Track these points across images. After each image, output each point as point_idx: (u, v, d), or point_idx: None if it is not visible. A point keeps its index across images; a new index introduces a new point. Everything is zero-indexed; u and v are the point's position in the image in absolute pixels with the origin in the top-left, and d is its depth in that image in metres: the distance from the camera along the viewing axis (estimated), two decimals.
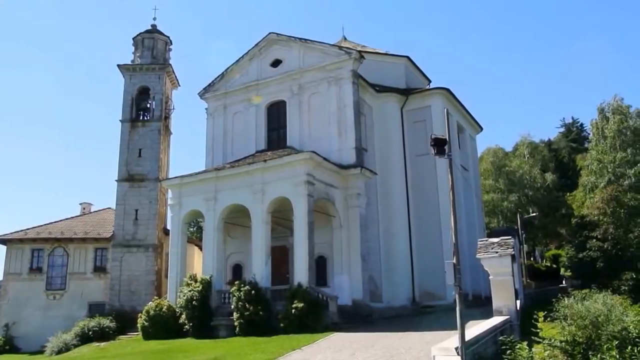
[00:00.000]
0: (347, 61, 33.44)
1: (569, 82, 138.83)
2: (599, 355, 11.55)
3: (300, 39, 35.23)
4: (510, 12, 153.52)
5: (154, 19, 46.85)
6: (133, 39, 45.15)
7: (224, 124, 36.88)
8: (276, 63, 36.00)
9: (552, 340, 14.39)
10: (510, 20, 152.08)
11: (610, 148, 48.34)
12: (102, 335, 33.33)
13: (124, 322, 34.96)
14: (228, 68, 37.51)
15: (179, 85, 46.58)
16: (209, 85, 37.94)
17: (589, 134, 58.84)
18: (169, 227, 35.79)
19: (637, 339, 14.92)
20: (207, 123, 37.70)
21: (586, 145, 65.12)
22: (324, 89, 33.81)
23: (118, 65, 43.49)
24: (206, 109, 37.98)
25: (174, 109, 45.87)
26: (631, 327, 16.64)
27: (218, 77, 37.75)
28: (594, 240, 38.27)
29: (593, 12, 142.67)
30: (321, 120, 33.40)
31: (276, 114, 35.76)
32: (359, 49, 37.89)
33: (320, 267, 30.38)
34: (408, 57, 42.48)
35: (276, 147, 34.10)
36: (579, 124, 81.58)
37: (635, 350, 11.55)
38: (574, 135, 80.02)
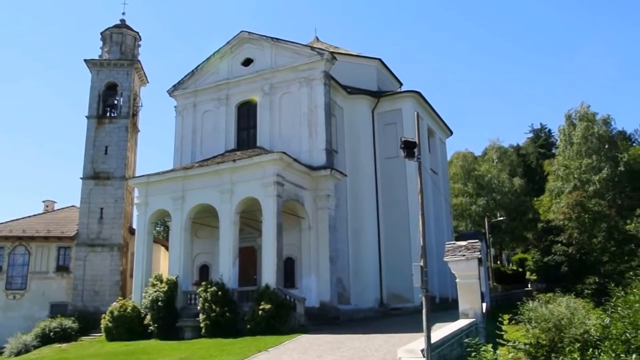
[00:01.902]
0: (319, 62, 33.31)
1: (538, 88, 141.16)
2: (561, 358, 11.64)
3: (272, 38, 34.99)
4: (483, 16, 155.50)
5: (123, 13, 46.16)
6: (101, 33, 44.31)
7: (193, 122, 36.43)
8: (247, 62, 35.70)
9: (517, 343, 14.48)
10: (482, 25, 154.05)
11: (576, 154, 49.22)
12: (63, 336, 32.49)
13: (87, 323, 34.20)
14: (198, 66, 37.08)
15: (148, 82, 45.89)
16: (179, 82, 37.45)
17: (557, 140, 59.82)
18: (134, 226, 35.18)
19: (598, 342, 15.14)
20: (176, 121, 37.22)
21: (554, 151, 66.20)
22: (296, 89, 33.65)
23: (85, 60, 42.63)
24: (175, 107, 37.50)
25: (142, 106, 45.20)
26: (592, 330, 16.92)
27: (188, 74, 37.28)
28: (559, 244, 38.91)
29: (567, 18, 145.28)
30: (292, 121, 33.22)
31: (246, 113, 35.47)
32: (331, 50, 37.80)
33: (288, 268, 30.28)
34: (380, 60, 42.57)
35: (246, 147, 33.79)
36: (547, 130, 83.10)
37: (596, 353, 11.64)
38: (542, 141, 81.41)
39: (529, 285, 49.93)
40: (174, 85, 37.56)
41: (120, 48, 43.70)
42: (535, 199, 64.35)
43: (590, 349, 12.62)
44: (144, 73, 44.86)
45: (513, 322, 17.25)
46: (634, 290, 18.67)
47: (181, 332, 27.26)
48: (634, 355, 8.05)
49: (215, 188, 29.45)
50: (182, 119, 36.91)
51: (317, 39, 45.13)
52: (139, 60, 43.87)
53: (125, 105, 41.98)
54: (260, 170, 28.54)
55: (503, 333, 14.39)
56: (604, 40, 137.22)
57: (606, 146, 48.65)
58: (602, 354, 10.79)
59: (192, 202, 30.30)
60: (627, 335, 15.96)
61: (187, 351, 21.50)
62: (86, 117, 41.35)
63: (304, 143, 32.39)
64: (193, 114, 36.60)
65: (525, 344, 15.08)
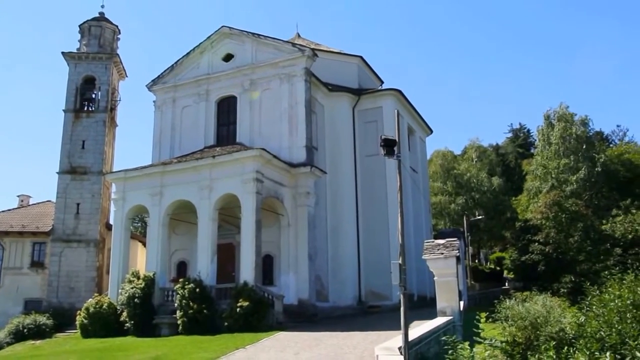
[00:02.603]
0: (300, 58, 33.22)
1: (518, 88, 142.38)
2: (537, 356, 11.69)
3: (253, 34, 34.82)
4: (464, 16, 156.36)
5: (102, 6, 45.91)
6: (79, 26, 43.63)
7: (172, 117, 36.14)
8: (228, 57, 35.51)
9: (493, 341, 14.54)
10: (463, 25, 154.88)
11: (554, 154, 49.67)
12: (38, 333, 32.01)
13: (62, 320, 33.74)
14: (178, 60, 36.78)
15: (127, 76, 45.35)
16: (158, 77, 37.13)
17: (536, 140, 60.31)
18: (111, 222, 34.71)
19: (573, 340, 15.27)
20: (155, 116, 36.90)
21: (532, 150, 66.74)
22: (276, 85, 33.53)
23: (63, 53, 41.98)
24: (154, 101, 37.19)
25: (120, 100, 44.64)
26: (568, 328, 17.11)
27: (167, 69, 36.96)
28: (536, 243, 39.18)
29: (548, 18, 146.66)
30: (272, 117, 33.10)
31: (226, 109, 35.29)
32: (312, 46, 37.72)
33: (266, 265, 30.18)
34: (361, 57, 42.58)
35: (225, 143, 33.59)
36: (526, 130, 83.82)
37: (571, 351, 11.73)
38: (521, 140, 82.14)
39: (507, 284, 50.38)
40: (153, 80, 37.22)
41: (99, 41, 43.11)
42: (513, 198, 64.90)
43: (566, 347, 12.70)
44: (123, 67, 44.34)
45: (490, 320, 17.35)
46: (609, 289, 18.90)
47: (158, 329, 27.02)
48: (607, 353, 8.12)
49: (194, 184, 29.22)
50: (161, 114, 36.58)
51: (299, 35, 44.98)
52: (117, 54, 43.34)
53: (103, 99, 41.45)
54: (239, 167, 28.38)
55: (480, 331, 14.45)
56: (584, 41, 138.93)
57: (584, 147, 49.14)
58: (576, 352, 10.85)
59: (170, 198, 30.03)
60: (602, 333, 16.13)
61: (164, 348, 21.31)
62: (63, 110, 40.76)
63: (284, 140, 32.29)
64: (172, 109, 36.30)
65: (501, 342, 15.14)
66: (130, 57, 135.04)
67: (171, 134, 35.78)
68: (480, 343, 14.31)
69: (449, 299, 20.82)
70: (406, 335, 13.66)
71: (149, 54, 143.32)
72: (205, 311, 25.77)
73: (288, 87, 33.07)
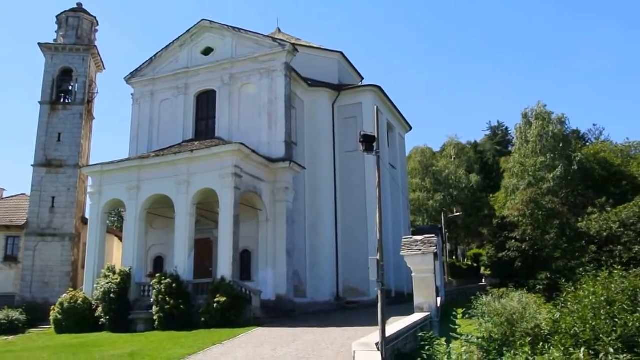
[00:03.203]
0: (281, 53, 33.07)
1: (497, 86, 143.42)
2: (512, 352, 11.78)
3: (234, 27, 34.58)
4: (446, 13, 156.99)
5: None
6: (57, 17, 42.96)
7: (150, 111, 35.73)
8: (208, 51, 35.21)
9: (470, 337, 14.62)
10: (446, 22, 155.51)
11: (531, 152, 50.12)
12: (10, 328, 31.52)
13: (36, 315, 33.23)
14: (157, 53, 36.40)
15: (105, 69, 44.73)
16: (136, 70, 36.69)
17: (513, 137, 60.77)
18: (87, 216, 34.27)
19: (548, 336, 15.45)
20: (133, 109, 36.44)
21: (510, 148, 67.27)
22: (256, 80, 33.34)
23: (39, 44, 41.29)
24: (132, 94, 36.72)
25: (97, 92, 44.03)
26: (543, 324, 17.33)
27: (146, 62, 36.53)
28: (513, 240, 39.51)
29: (528, 16, 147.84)
30: (251, 112, 32.91)
31: (205, 103, 35.01)
32: (293, 41, 37.59)
33: (244, 261, 30.10)
34: (342, 53, 42.55)
35: (204, 138, 33.32)
36: (504, 128, 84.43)
37: (546, 347, 11.86)
38: (499, 138, 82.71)
39: (484, 280, 50.74)
40: (131, 73, 36.77)
41: (76, 32, 42.48)
42: (491, 195, 65.42)
43: (541, 343, 12.85)
44: (101, 59, 43.75)
45: (467, 316, 17.44)
46: (584, 286, 19.15)
47: (134, 325, 26.80)
48: (582, 349, 8.21)
49: (171, 178, 28.96)
50: (139, 107, 36.16)
51: (279, 30, 44.82)
52: (95, 46, 42.75)
53: (80, 92, 40.88)
54: (218, 161, 28.18)
55: (457, 327, 14.52)
56: (565, 40, 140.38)
57: (560, 145, 49.61)
58: (551, 347, 10.96)
59: (147, 193, 29.72)
60: (576, 329, 16.35)
61: (140, 344, 21.09)
62: (39, 102, 40.12)
63: (263, 135, 32.11)
64: (150, 102, 35.90)
65: (478, 338, 15.24)
66: (108, 49, 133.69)
67: (149, 128, 35.39)
68: (456, 339, 14.39)
69: (426, 295, 20.90)
70: (383, 331, 13.65)
71: (127, 46, 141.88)
72: (182, 307, 25.59)
73: (268, 82, 32.88)
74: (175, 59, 35.96)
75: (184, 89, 35.07)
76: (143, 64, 36.57)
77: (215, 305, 24.78)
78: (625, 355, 7.88)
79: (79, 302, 28.41)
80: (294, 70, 33.89)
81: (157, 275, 27.61)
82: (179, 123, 34.66)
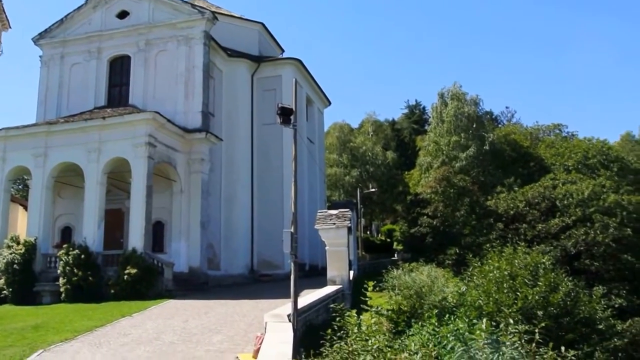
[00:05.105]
0: (200, 21, 32.27)
1: (415, 65, 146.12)
2: (420, 323, 12.22)
3: None
4: None
5: None
6: None
7: (60, 74, 34.07)
8: (123, 15, 33.85)
9: (379, 309, 15.01)
10: (367, 1, 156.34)
11: (446, 132, 51.38)
12: None
13: None
14: (69, 14, 34.65)
15: (10, 27, 41.86)
16: (46, 30, 34.81)
17: (430, 117, 62.06)
18: None
19: (454, 308, 16.17)
20: (41, 72, 34.64)
21: (426, 127, 68.67)
22: (173, 47, 32.42)
23: None
24: (40, 56, 34.86)
25: (2, 52, 41.48)
26: (450, 297, 18.12)
27: (56, 22, 34.71)
28: (425, 217, 40.60)
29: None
30: (167, 80, 32.01)
31: (119, 69, 33.76)
32: (213, 9, 36.70)
33: (157, 232, 29.50)
34: (263, 24, 42.02)
35: (117, 105, 32.18)
36: (421, 107, 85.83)
37: (452, 318, 12.39)
38: (416, 117, 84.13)
39: (396, 255, 51.90)
40: (40, 33, 34.88)
41: None
42: (406, 172, 66.75)
43: (447, 315, 13.36)
44: (6, 16, 40.91)
45: (378, 289, 17.87)
46: (489, 261, 20.09)
47: (39, 297, 25.90)
48: (484, 320, 8.65)
49: (81, 146, 27.88)
50: (47, 70, 34.38)
51: None
52: (0, 1, 40.11)
53: None
54: (131, 130, 27.36)
55: (367, 299, 14.85)
56: (486, 25, 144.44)
57: (474, 125, 51.08)
58: (457, 319, 11.44)
59: (55, 160, 28.49)
60: (480, 302, 17.19)
61: (45, 316, 20.32)
62: None
63: (179, 104, 31.36)
64: (60, 65, 34.22)
65: (387, 310, 15.67)
66: (15, 6, 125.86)
67: (58, 93, 33.76)
68: (367, 311, 14.74)
69: (339, 268, 21.30)
70: (295, 303, 13.83)
71: (37, 4, 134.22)
72: (90, 278, 24.88)
73: (185, 49, 32.05)
74: (88, 21, 34.36)
75: (97, 53, 33.61)
76: (53, 24, 34.73)
77: (125, 277, 24.27)
78: (523, 325, 8.38)
79: None
80: (213, 39, 33.16)
81: (65, 245, 26.69)
82: (90, 89, 33.24)
